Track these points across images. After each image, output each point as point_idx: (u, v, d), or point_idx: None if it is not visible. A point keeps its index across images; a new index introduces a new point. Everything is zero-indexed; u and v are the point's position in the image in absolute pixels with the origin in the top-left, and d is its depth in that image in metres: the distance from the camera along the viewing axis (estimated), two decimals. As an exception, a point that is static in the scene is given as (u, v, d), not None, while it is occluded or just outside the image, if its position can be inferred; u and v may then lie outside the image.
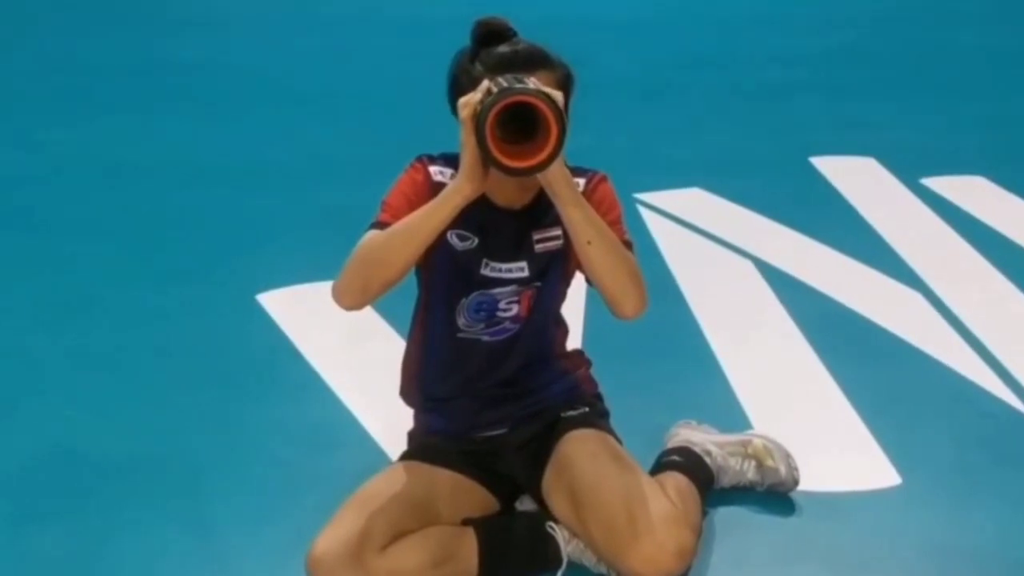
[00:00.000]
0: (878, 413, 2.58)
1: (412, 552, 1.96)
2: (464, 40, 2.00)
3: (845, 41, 5.72)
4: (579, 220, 1.90)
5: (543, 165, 1.79)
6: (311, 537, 1.93)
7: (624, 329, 2.07)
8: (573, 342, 2.28)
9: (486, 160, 1.80)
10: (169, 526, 2.21)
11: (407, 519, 1.98)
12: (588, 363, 2.25)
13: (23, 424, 2.57)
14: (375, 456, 2.38)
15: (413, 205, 1.95)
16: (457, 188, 1.87)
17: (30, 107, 4.85)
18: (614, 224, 2.02)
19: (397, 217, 1.95)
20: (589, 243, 1.92)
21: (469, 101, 1.82)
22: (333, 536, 1.91)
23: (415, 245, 1.91)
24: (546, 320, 2.13)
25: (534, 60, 1.95)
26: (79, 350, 2.89)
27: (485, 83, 1.84)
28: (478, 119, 1.77)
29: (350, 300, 1.96)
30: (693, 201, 3.78)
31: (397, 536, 1.95)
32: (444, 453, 2.12)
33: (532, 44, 1.98)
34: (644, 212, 3.64)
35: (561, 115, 1.77)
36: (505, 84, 1.82)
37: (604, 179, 2.06)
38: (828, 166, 4.08)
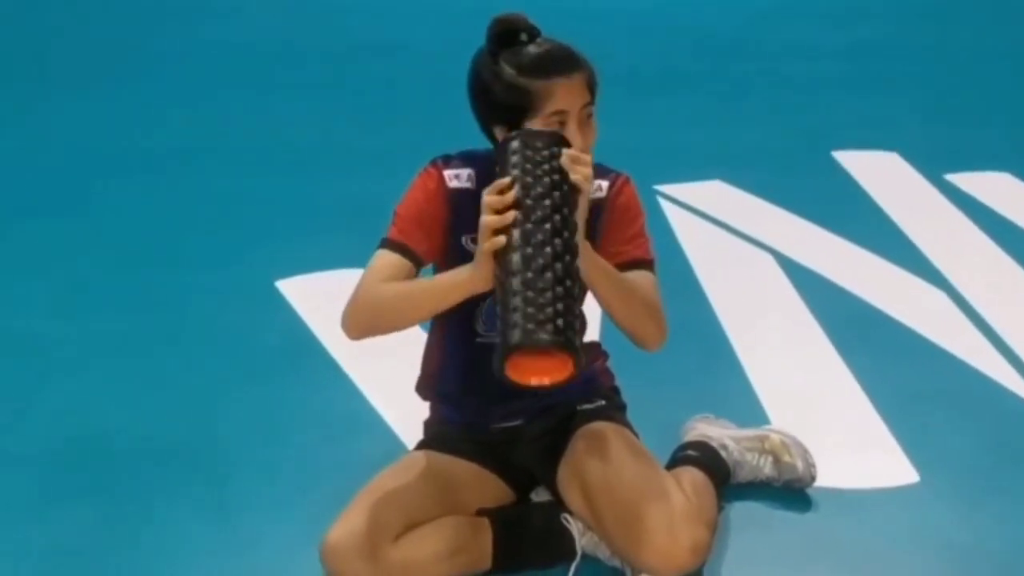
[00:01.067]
0: (897, 410, 2.56)
1: (426, 542, 1.96)
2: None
3: (869, 34, 5.68)
4: (601, 282, 1.90)
5: (553, 387, 1.77)
6: (327, 525, 1.93)
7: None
8: (591, 335, 2.27)
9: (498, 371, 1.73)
10: (187, 510, 2.22)
11: (421, 509, 1.98)
12: (605, 356, 2.24)
13: (43, 410, 2.59)
14: (392, 444, 2.38)
15: (424, 216, 1.95)
16: (470, 282, 1.84)
17: (57, 90, 4.86)
18: (636, 237, 2.01)
19: (406, 233, 1.94)
20: (610, 303, 1.94)
21: (493, 245, 1.74)
22: (346, 526, 1.92)
23: (422, 315, 1.95)
24: None
25: (567, 62, 1.90)
26: (98, 335, 2.90)
27: (511, 213, 1.73)
28: (496, 356, 1.71)
29: (356, 335, 1.97)
30: (714, 194, 3.76)
31: (411, 526, 1.95)
32: (460, 443, 2.12)
33: (558, 43, 1.94)
34: (664, 204, 3.62)
35: (579, 355, 1.71)
36: (525, 174, 1.73)
37: (627, 181, 2.04)
38: (851, 161, 4.05)
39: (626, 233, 2.00)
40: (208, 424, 2.51)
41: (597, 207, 1.96)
